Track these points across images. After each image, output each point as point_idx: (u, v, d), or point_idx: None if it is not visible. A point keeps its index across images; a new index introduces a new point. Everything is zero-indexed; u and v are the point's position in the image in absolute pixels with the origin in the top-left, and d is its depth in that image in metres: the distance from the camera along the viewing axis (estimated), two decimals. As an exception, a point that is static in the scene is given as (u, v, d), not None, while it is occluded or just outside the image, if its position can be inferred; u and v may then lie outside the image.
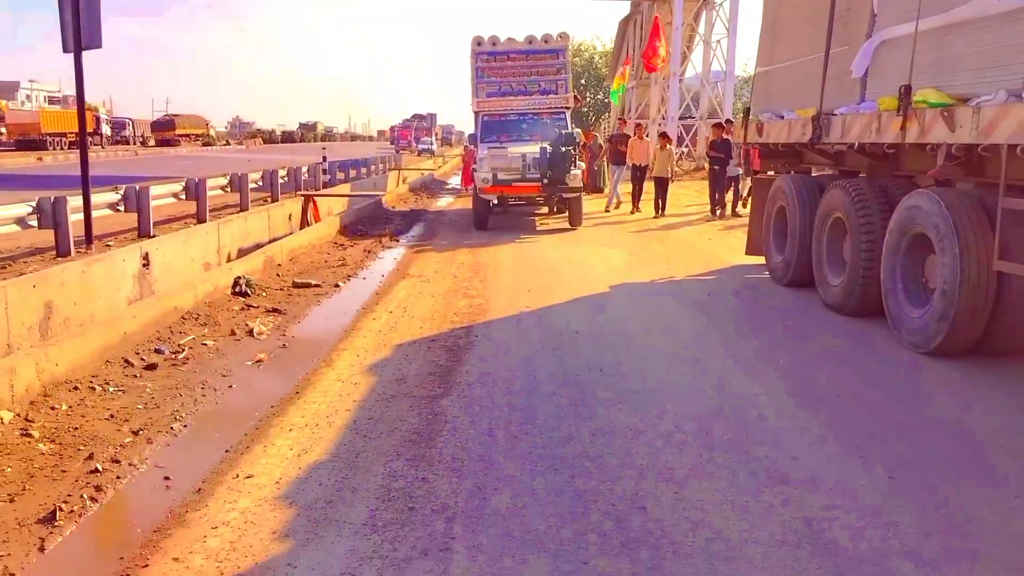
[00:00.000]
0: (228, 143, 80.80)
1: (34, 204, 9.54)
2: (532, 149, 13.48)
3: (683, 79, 31.47)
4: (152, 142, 66.84)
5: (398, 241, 12.91)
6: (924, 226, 6.04)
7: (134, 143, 63.36)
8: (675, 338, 6.73)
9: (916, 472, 3.97)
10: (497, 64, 15.64)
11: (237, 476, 3.94)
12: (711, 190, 15.67)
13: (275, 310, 7.67)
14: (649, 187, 16.48)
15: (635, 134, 17.74)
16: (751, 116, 10.04)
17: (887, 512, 3.53)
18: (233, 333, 6.80)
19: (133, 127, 67.55)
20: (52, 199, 9.58)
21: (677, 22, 29.06)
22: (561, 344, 6.45)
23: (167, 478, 3.99)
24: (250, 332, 6.86)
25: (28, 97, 76.43)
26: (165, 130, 70.27)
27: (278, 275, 9.33)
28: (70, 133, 53.58)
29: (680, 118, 30.06)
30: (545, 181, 13.21)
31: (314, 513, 3.54)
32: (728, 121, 17.51)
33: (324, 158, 22.72)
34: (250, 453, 4.23)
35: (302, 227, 14.61)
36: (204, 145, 68.82)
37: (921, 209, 6.09)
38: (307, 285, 8.83)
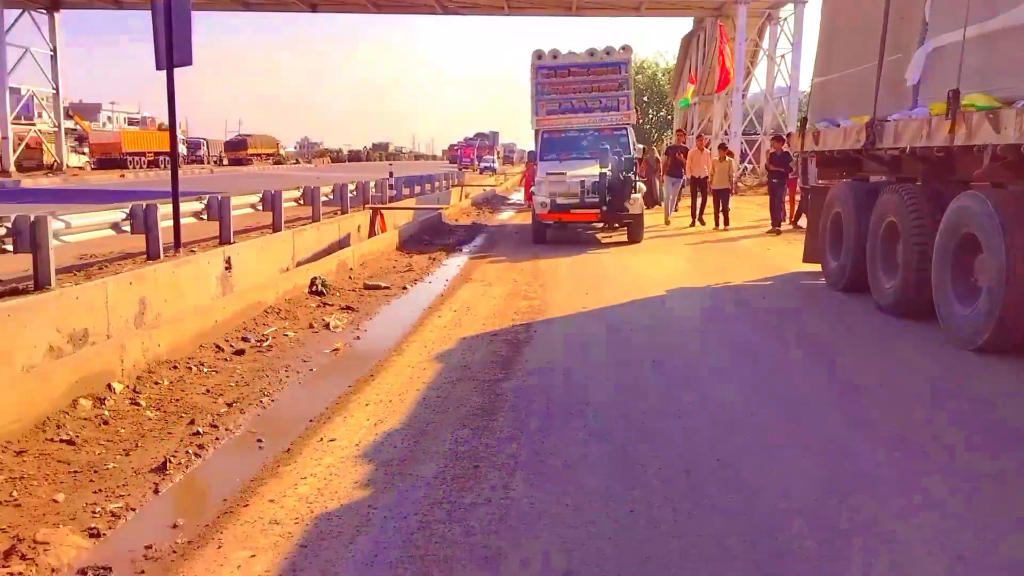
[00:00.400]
0: (298, 162, 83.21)
1: (128, 210, 10.31)
2: (591, 172, 13.31)
3: (746, 95, 31.46)
4: (225, 161, 69.29)
5: (461, 250, 13.39)
6: (973, 226, 6.22)
7: (208, 162, 65.82)
8: (728, 334, 7.02)
9: (943, 442, 4.20)
10: (558, 79, 15.35)
11: (321, 440, 4.39)
12: (771, 204, 15.50)
13: (348, 308, 8.18)
14: (710, 200, 16.59)
15: (697, 145, 17.67)
16: (808, 125, 10.24)
17: (915, 476, 3.78)
18: (311, 326, 7.33)
19: (207, 147, 70.13)
20: (144, 206, 10.35)
21: (740, 37, 29.11)
22: (616, 339, 6.80)
23: (259, 440, 4.48)
24: (326, 326, 7.38)
25: (109, 118, 79.64)
26: (238, 150, 72.76)
27: (350, 278, 9.88)
28: (149, 152, 56.24)
29: (743, 134, 30.02)
30: (604, 208, 13.08)
31: (390, 469, 3.96)
32: (790, 134, 17.52)
33: (391, 174, 23.46)
34: (331, 422, 4.69)
35: (370, 237, 15.22)
36: (275, 164, 71.03)
37: (970, 209, 6.27)
38: (377, 287, 9.35)
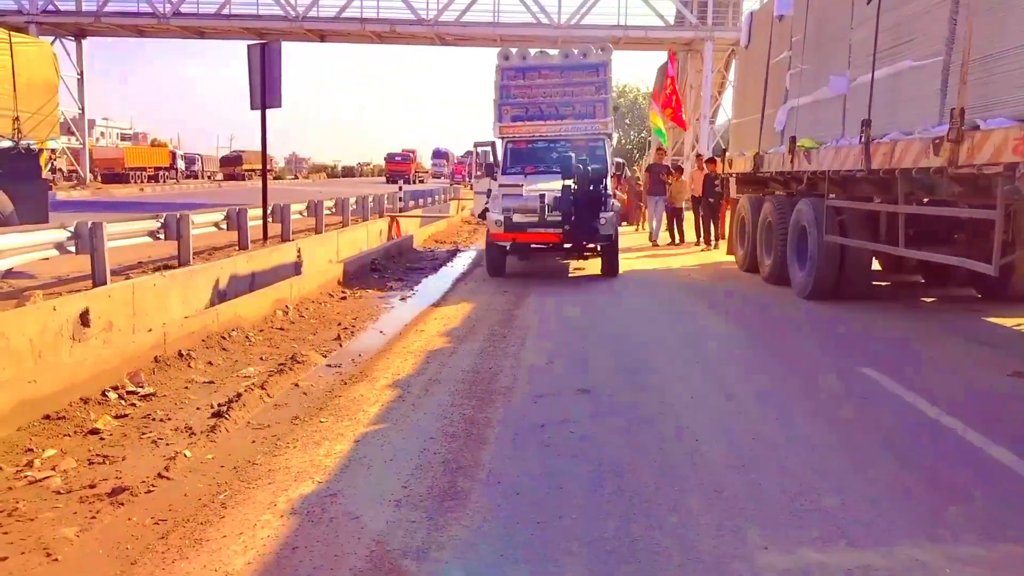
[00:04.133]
0: (296, 176, 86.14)
1: (224, 213, 13.88)
2: (554, 186, 11.48)
3: (715, 121, 35.22)
4: (220, 176, 71.57)
5: (470, 247, 17.04)
6: (804, 221, 9.94)
7: (202, 177, 68.23)
8: (656, 291, 10.73)
9: (770, 333, 7.89)
10: (526, 82, 13.50)
11: (417, 330, 8.01)
12: (705, 222, 16.53)
13: (400, 279, 11.81)
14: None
15: (698, 165, 18.04)
16: (727, 154, 14.01)
17: (747, 354, 7.47)
18: (380, 288, 10.96)
19: (202, 162, 72.62)
20: (237, 209, 13.92)
21: (707, 70, 32.87)
22: (582, 296, 10.47)
23: (381, 331, 8.08)
24: (390, 288, 10.99)
25: (103, 134, 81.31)
26: (233, 165, 74.80)
27: (395, 261, 13.52)
28: (149, 168, 58.38)
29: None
30: (567, 227, 11.24)
31: (459, 338, 7.59)
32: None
33: (400, 187, 27.06)
34: (419, 323, 8.32)
35: (389, 239, 18.81)
36: (275, 179, 73.68)
37: (802, 211, 10.01)
38: (418, 268, 13.00)
